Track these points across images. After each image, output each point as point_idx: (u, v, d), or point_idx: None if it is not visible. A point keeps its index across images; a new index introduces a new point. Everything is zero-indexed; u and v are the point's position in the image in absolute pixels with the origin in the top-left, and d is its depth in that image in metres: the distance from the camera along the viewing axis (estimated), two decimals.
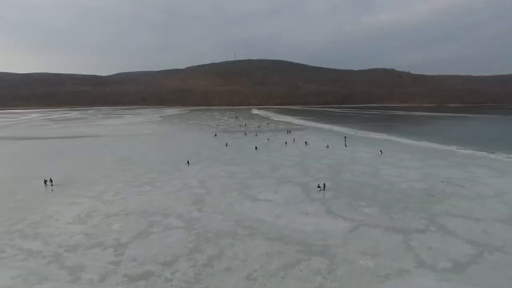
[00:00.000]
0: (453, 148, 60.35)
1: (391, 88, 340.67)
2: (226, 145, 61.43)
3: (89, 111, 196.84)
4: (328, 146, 59.62)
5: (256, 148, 57.81)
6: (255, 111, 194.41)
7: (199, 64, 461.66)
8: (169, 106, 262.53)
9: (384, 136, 77.62)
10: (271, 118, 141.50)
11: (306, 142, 63.59)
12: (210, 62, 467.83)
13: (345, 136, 73.30)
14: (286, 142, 64.12)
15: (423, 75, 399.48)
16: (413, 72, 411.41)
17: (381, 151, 53.55)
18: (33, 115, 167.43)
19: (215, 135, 77.22)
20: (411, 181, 36.39)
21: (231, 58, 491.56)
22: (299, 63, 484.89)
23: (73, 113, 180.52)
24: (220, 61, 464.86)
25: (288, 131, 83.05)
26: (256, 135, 77.38)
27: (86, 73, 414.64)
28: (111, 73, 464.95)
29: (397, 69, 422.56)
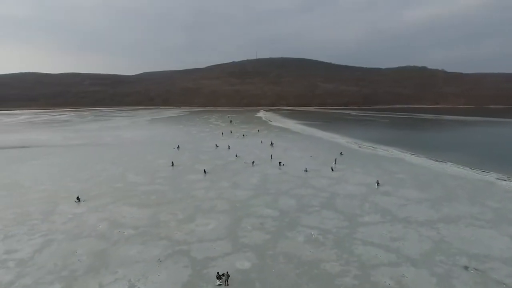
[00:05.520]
0: (493, 177, 41.35)
1: (421, 87, 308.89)
2: (172, 165, 46.57)
3: (86, 113, 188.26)
4: (306, 170, 43.08)
5: (205, 171, 42.48)
6: (259, 114, 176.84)
7: (221, 63, 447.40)
8: (175, 106, 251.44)
9: (395, 152, 59.04)
10: (270, 122, 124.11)
11: (280, 163, 47.27)
12: (230, 61, 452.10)
13: (341, 153, 55.81)
14: (253, 162, 48.05)
15: (460, 73, 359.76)
16: (449, 70, 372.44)
17: (377, 183, 36.43)
18: (22, 117, 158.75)
19: (178, 147, 62.57)
20: (406, 264, 19.53)
21: (256, 56, 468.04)
22: (322, 61, 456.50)
23: (66, 115, 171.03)
24: (242, 59, 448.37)
25: (271, 144, 66.33)
26: (229, 148, 61.74)
27: (113, 73, 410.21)
28: (137, 73, 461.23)
29: (429, 67, 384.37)
